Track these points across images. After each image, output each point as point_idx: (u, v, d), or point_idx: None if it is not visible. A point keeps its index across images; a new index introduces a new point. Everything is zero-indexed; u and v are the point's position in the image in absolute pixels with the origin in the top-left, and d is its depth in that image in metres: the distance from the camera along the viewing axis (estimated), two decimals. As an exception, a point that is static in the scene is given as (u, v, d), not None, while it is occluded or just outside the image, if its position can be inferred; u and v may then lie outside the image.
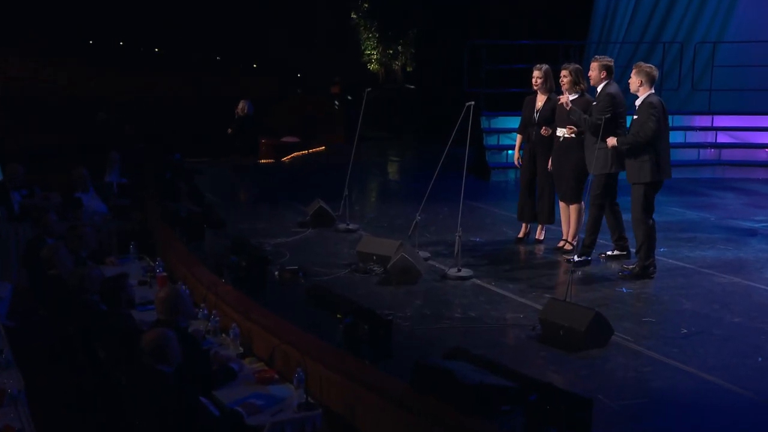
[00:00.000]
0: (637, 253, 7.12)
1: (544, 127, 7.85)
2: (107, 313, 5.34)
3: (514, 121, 9.12)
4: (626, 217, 7.38)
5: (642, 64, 7.04)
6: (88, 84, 25.96)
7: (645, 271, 7.07)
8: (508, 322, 6.07)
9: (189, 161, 12.68)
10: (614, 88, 7.30)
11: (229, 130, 14.57)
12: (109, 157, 11.12)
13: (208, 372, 4.86)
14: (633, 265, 7.16)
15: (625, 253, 7.41)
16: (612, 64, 7.37)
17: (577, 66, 7.66)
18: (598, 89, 7.35)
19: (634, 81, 6.93)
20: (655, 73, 7.02)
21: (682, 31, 14.53)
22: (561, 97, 7.54)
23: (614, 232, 7.59)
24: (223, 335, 5.74)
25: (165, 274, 6.97)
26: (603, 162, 7.14)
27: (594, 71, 7.32)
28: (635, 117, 6.95)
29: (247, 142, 14.77)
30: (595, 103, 7.31)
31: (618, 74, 7.28)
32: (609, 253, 7.67)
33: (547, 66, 8.11)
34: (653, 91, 6.98)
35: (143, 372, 4.29)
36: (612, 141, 7.01)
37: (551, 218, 8.28)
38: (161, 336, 4.33)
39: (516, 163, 8.48)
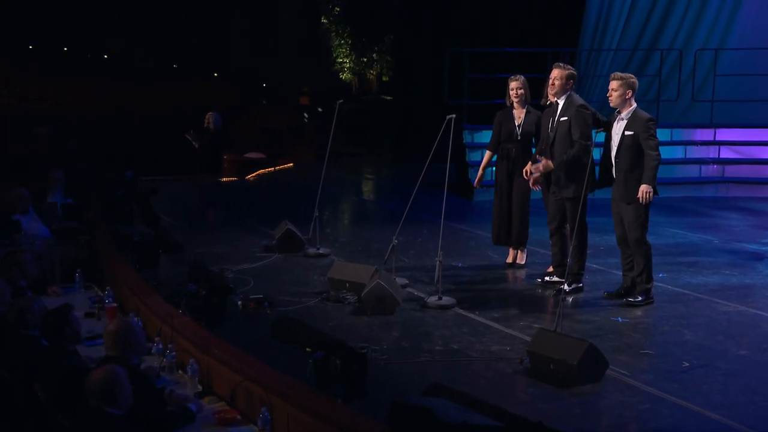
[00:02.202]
0: (638, 276, 7.15)
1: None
2: (49, 349, 5.29)
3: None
4: (601, 239, 7.48)
5: (622, 74, 7.09)
6: (27, 93, 25.80)
7: (648, 295, 7.13)
8: (494, 355, 6.09)
9: (142, 179, 12.64)
10: (580, 98, 7.39)
11: (196, 145, 14.41)
12: (51, 175, 11.05)
13: (162, 414, 4.83)
14: (634, 294, 7.19)
15: (563, 280, 7.39)
16: (576, 73, 7.48)
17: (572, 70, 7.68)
18: (560, 101, 7.39)
19: (620, 93, 6.98)
20: (637, 83, 7.11)
21: (680, 36, 14.70)
22: (539, 166, 7.48)
23: (561, 257, 7.64)
24: (180, 372, 5.71)
25: (115, 304, 6.93)
26: (579, 183, 7.17)
27: (561, 80, 7.33)
28: (628, 133, 7.00)
29: (214, 160, 14.71)
30: (564, 118, 7.33)
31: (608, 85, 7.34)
32: (548, 279, 7.77)
33: (522, 77, 8.22)
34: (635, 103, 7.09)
35: (90, 416, 4.26)
36: (646, 187, 6.88)
37: (524, 242, 8.36)
38: (110, 375, 4.31)
39: (476, 184, 8.62)
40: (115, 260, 8.16)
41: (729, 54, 14.29)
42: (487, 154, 8.52)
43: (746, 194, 12.82)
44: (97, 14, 32.07)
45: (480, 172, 8.52)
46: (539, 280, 7.86)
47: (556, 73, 7.40)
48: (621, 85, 7.00)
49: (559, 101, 7.41)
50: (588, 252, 7.68)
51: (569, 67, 7.48)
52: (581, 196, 7.10)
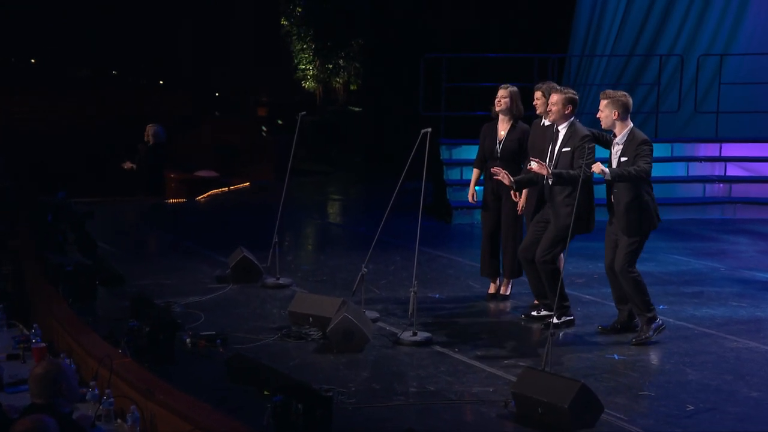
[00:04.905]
0: (636, 308, 7.17)
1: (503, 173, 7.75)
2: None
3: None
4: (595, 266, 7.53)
5: (612, 92, 7.11)
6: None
7: (651, 324, 7.16)
8: (475, 397, 6.10)
9: (77, 201, 12.56)
10: (584, 127, 7.40)
11: (129, 165, 14.35)
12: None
13: (98, 468, 4.79)
14: (637, 331, 7.23)
15: (552, 313, 7.42)
16: (577, 97, 7.47)
17: (552, 84, 7.78)
18: (561, 129, 7.36)
19: (608, 114, 7.02)
20: (631, 101, 7.14)
21: (681, 41, 14.87)
22: (534, 167, 7.40)
23: (541, 287, 7.69)
24: (119, 421, 5.66)
25: (43, 344, 6.85)
26: (567, 213, 7.19)
27: (558, 105, 7.31)
28: (624, 160, 7.01)
29: (156, 178, 14.63)
30: (567, 149, 7.29)
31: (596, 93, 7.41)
32: (534, 314, 7.81)
33: (515, 87, 8.26)
34: (632, 123, 7.15)
35: (14, 471, 4.21)
36: (599, 167, 6.90)
37: (517, 272, 8.38)
38: (37, 426, 4.26)
39: (470, 199, 8.58)
40: (44, 293, 8.09)
41: (735, 60, 14.48)
42: (475, 171, 8.51)
43: (756, 216, 12.90)
44: (22, 14, 31.88)
45: (471, 189, 8.53)
46: (523, 316, 7.87)
47: (554, 98, 7.34)
48: (607, 105, 7.04)
49: (560, 129, 7.40)
50: (579, 281, 7.71)
51: (569, 90, 7.42)
52: (570, 226, 6.99)
